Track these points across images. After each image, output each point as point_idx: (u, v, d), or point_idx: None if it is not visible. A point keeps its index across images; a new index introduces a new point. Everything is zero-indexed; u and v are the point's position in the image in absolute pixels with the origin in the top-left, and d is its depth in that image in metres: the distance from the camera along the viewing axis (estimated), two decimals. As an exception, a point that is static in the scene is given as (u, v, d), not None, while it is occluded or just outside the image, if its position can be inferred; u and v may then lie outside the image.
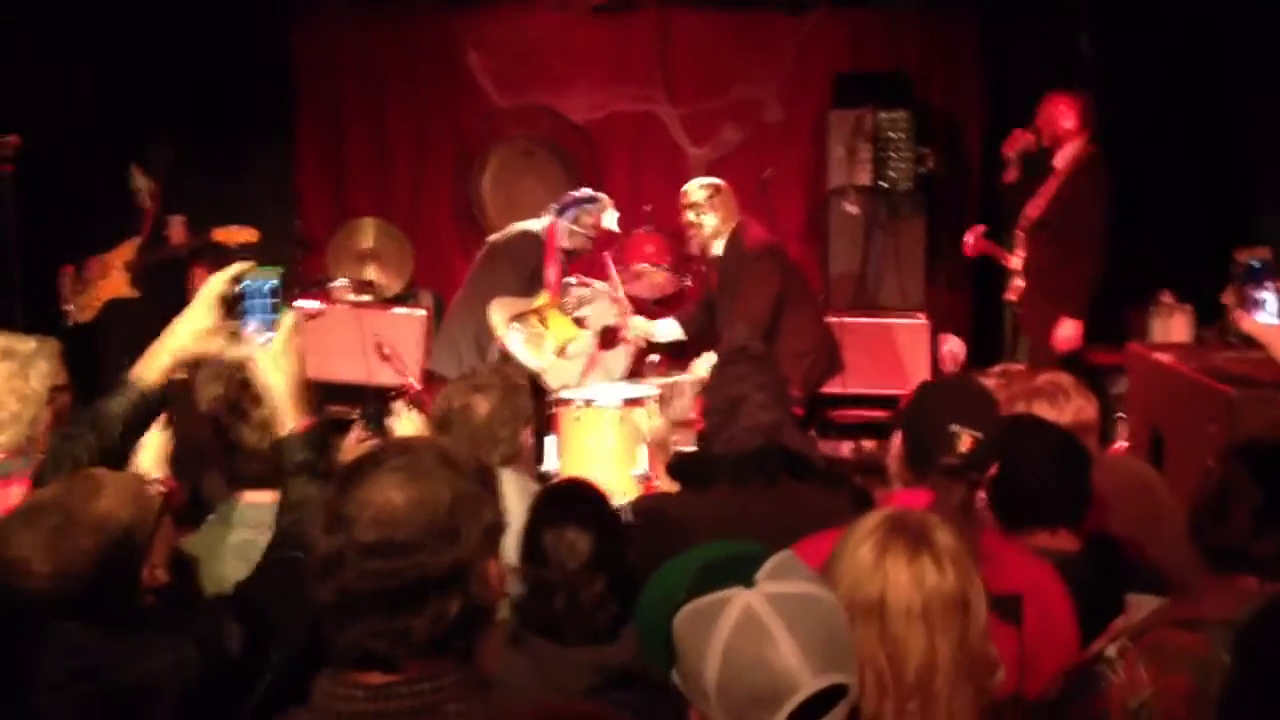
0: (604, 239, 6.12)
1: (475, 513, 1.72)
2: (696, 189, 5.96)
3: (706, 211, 5.87)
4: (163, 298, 7.03)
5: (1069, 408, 3.45)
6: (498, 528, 1.77)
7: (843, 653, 1.63)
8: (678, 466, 3.38)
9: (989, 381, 3.82)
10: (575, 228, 5.79)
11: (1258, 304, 2.14)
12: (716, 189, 5.93)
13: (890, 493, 2.63)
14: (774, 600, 1.61)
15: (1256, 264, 2.16)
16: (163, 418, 3.49)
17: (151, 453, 3.45)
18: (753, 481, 3.12)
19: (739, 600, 1.62)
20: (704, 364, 5.63)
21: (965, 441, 2.45)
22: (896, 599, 1.85)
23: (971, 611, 1.90)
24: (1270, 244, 2.20)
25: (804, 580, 1.67)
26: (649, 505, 3.34)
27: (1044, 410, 3.39)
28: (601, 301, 5.90)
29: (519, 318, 5.53)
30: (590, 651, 2.47)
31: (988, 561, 2.32)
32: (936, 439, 2.47)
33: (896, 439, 2.62)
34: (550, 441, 5.19)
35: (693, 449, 3.63)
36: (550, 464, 5.17)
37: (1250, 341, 2.19)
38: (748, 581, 1.63)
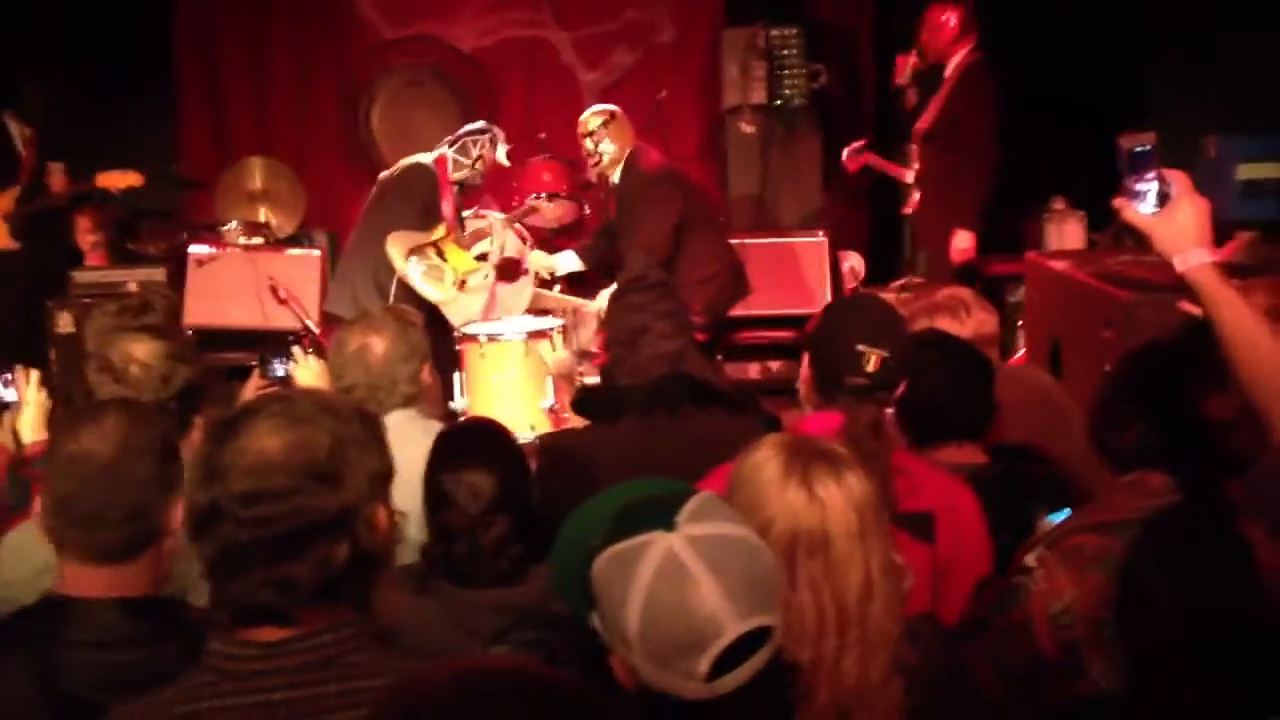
0: (495, 171, 6.02)
1: (358, 457, 1.68)
2: (591, 117, 5.89)
3: (602, 139, 5.81)
4: (45, 248, 6.82)
5: (970, 321, 3.48)
6: (385, 473, 1.74)
7: (767, 594, 1.59)
8: (582, 402, 3.35)
9: (890, 296, 3.85)
10: (464, 159, 5.68)
11: (1138, 194, 2.10)
12: (611, 115, 5.87)
13: (801, 417, 2.61)
14: (696, 543, 1.56)
15: (1139, 150, 2.11)
16: (37, 376, 3.36)
17: (30, 416, 3.32)
18: (658, 412, 3.08)
19: (660, 544, 1.56)
20: (546, 258, 5.64)
21: (873, 361, 2.44)
22: (837, 523, 1.83)
23: (885, 514, 1.91)
24: (1166, 139, 2.17)
25: (726, 521, 1.62)
26: (555, 442, 3.30)
27: (945, 325, 3.41)
28: (500, 234, 5.81)
29: (417, 250, 5.42)
30: (495, 594, 2.43)
31: (901, 479, 2.34)
32: (844, 360, 2.45)
33: (804, 362, 2.60)
34: (458, 378, 5.13)
35: (597, 381, 3.59)
36: (459, 401, 5.12)
37: (1140, 240, 2.18)
38: (668, 524, 1.58)
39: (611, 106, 5.99)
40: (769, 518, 1.83)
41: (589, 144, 5.86)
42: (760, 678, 1.57)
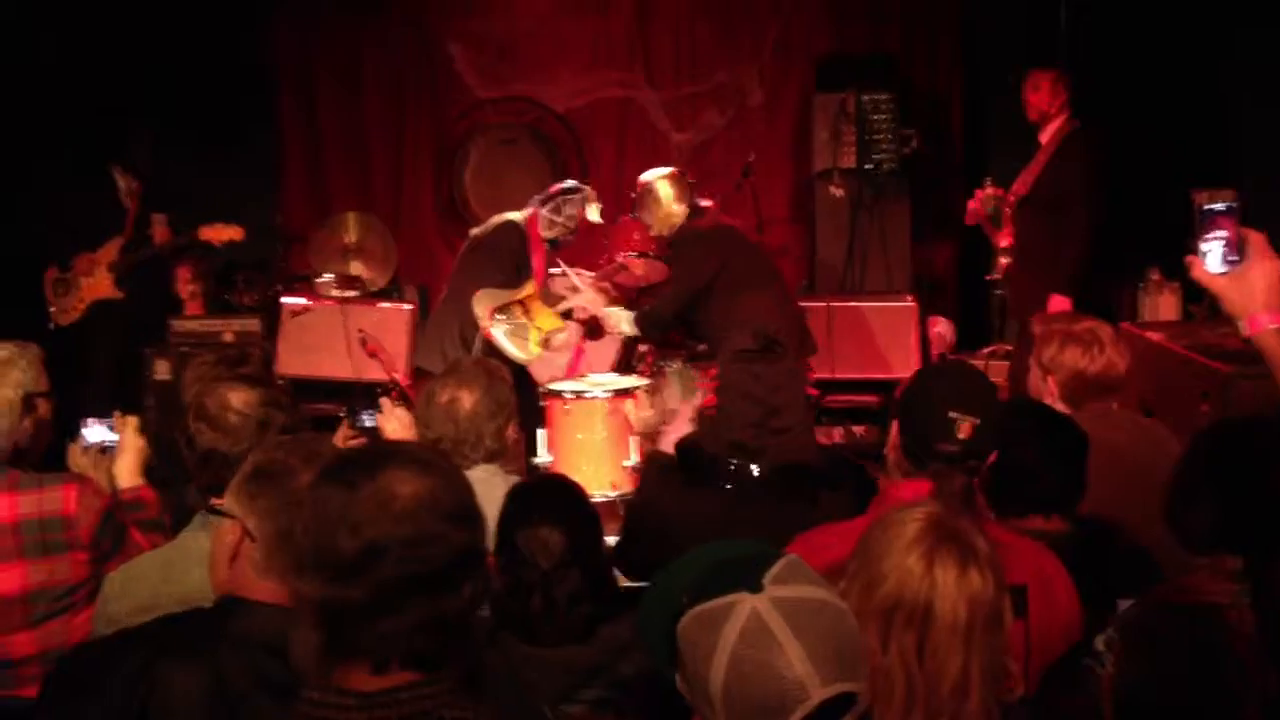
0: (586, 229, 6.05)
1: (478, 505, 1.72)
2: (640, 184, 5.85)
3: (650, 206, 5.76)
4: (147, 298, 6.99)
5: (1100, 359, 3.41)
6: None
7: (852, 660, 1.57)
8: (672, 464, 3.30)
9: (979, 364, 3.81)
10: (556, 218, 5.72)
11: (1208, 252, 2.03)
12: (659, 180, 5.79)
13: (894, 484, 2.57)
14: (781, 605, 1.55)
15: (1210, 206, 2.03)
16: (135, 422, 3.42)
17: (127, 461, 3.38)
18: (750, 482, 3.04)
19: (745, 605, 1.56)
20: (619, 316, 5.63)
21: (964, 428, 2.40)
22: (943, 610, 1.80)
23: (1004, 623, 1.87)
24: (1266, 218, 2.10)
25: (812, 585, 1.61)
26: (642, 503, 3.28)
27: (1075, 356, 3.36)
28: (587, 293, 5.84)
29: (502, 309, 5.47)
30: (563, 652, 2.42)
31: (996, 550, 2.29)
32: (935, 426, 2.42)
33: (894, 428, 2.57)
34: (542, 435, 5.15)
35: (692, 439, 3.49)
36: (543, 457, 5.14)
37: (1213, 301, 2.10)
38: (754, 585, 1.57)
39: (663, 170, 5.89)
40: (883, 574, 1.83)
41: (637, 208, 5.83)
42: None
